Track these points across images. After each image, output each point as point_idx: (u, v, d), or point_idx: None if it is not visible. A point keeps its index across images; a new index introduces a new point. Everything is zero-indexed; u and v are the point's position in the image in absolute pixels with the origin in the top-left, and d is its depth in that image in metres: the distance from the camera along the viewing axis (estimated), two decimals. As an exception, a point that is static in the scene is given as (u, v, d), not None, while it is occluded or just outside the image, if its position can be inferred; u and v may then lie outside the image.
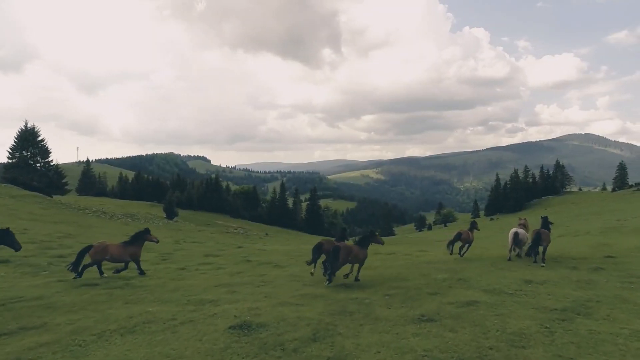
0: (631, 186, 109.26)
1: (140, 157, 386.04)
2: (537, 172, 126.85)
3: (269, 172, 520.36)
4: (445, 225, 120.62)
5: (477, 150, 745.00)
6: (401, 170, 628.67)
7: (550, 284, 9.10)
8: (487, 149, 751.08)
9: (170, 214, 68.86)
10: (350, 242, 11.68)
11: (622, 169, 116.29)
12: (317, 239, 12.55)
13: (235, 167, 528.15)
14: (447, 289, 9.19)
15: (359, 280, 10.51)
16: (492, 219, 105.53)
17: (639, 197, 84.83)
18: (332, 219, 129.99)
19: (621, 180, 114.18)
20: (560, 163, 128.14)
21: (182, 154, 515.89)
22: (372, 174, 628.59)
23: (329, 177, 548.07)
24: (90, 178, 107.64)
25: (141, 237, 11.52)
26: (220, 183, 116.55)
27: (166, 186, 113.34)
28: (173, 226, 54.79)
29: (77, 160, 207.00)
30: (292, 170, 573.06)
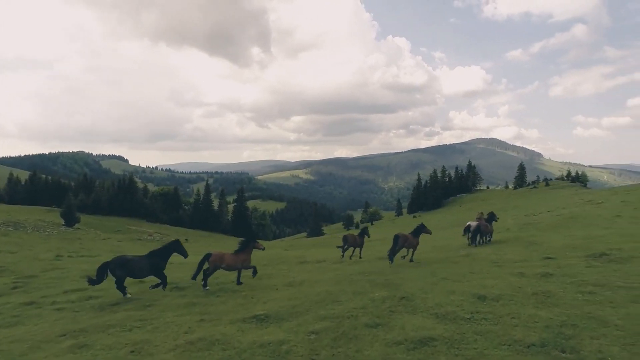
0: (529, 184, 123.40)
1: (41, 155, 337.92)
2: (452, 172, 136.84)
3: (194, 173, 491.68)
4: (372, 224, 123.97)
5: (399, 152, 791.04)
6: (330, 171, 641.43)
7: (506, 300, 7.56)
8: (408, 150, 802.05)
9: (70, 220, 59.26)
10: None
11: (521, 169, 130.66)
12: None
13: (157, 168, 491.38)
14: (389, 315, 7.14)
15: (412, 261, 13.79)
16: (414, 217, 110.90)
17: (535, 194, 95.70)
18: (261, 220, 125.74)
19: (521, 179, 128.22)
20: (472, 164, 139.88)
21: (94, 153, 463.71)
22: (302, 174, 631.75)
23: (258, 177, 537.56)
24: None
25: (249, 245, 11.72)
26: (135, 184, 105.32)
27: (70, 188, 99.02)
28: (70, 235, 46.89)
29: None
30: (219, 171, 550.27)
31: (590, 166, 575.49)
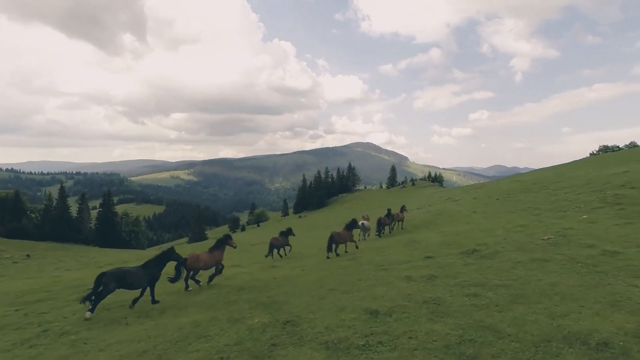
0: (399, 184, 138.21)
1: None
2: (334, 174, 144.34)
3: (48, 174, 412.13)
4: (258, 225, 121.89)
5: (285, 153, 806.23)
6: (214, 172, 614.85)
7: (399, 313, 6.85)
8: (294, 152, 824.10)
9: None
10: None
11: (393, 171, 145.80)
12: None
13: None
14: (270, 351, 5.67)
15: (338, 255, 15.22)
16: (300, 217, 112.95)
17: (405, 193, 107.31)
18: (134, 227, 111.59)
19: (393, 180, 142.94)
20: (352, 166, 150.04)
21: None
22: (183, 175, 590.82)
23: (132, 178, 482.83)
24: None
25: (224, 243, 12.04)
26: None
27: None
28: None
29: None
30: (82, 171, 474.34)
31: (444, 168, 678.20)
